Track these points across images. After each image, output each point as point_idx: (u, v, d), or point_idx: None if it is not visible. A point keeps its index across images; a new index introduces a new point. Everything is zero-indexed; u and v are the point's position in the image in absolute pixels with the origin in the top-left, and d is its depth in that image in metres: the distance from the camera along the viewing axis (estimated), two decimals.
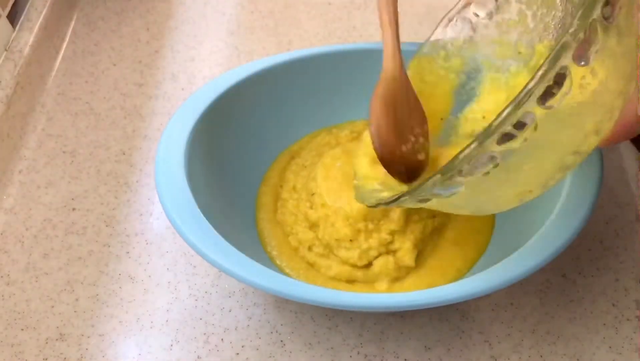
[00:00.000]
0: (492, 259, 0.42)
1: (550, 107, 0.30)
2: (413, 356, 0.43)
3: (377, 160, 0.43)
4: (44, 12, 0.62)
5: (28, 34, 0.60)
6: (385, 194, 0.41)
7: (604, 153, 0.43)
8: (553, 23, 0.41)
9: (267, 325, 0.45)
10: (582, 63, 0.30)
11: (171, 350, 0.44)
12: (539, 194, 0.36)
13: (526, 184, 0.35)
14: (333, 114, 0.53)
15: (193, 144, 0.46)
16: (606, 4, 0.29)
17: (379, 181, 0.43)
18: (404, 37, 0.62)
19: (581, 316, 0.44)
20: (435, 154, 0.44)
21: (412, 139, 0.43)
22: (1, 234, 0.51)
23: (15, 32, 0.60)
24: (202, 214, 0.42)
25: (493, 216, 0.47)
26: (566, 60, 0.29)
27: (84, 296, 0.47)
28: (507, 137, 0.30)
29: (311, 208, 0.46)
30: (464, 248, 0.45)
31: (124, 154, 0.55)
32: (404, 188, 0.42)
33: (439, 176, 0.32)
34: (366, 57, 0.52)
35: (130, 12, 0.68)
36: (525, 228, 0.42)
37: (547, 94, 0.29)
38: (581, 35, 0.29)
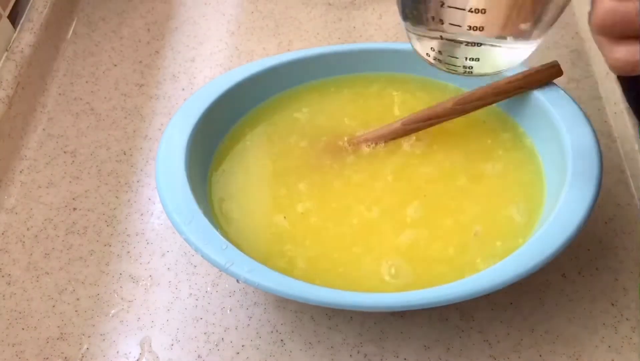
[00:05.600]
0: None
1: None
2: (413, 355, 0.43)
3: None
4: (44, 13, 0.62)
5: (29, 35, 0.60)
6: None
7: (603, 153, 0.43)
8: None
9: (268, 325, 0.45)
10: None
11: (172, 349, 0.44)
12: None
13: None
14: None
15: (193, 144, 0.46)
16: None
17: None
18: (403, 37, 0.63)
19: (580, 316, 0.44)
20: None
21: None
22: (2, 234, 0.51)
23: (16, 33, 0.60)
24: (202, 214, 0.42)
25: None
26: None
27: (85, 295, 0.47)
28: None
29: None
30: None
31: (124, 154, 0.56)
32: None
33: None
34: (366, 58, 0.52)
35: (131, 12, 0.68)
36: None
37: None
38: None
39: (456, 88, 0.52)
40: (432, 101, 0.49)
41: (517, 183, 0.46)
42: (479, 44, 0.37)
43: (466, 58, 0.39)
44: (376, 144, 0.49)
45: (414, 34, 0.39)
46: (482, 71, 0.40)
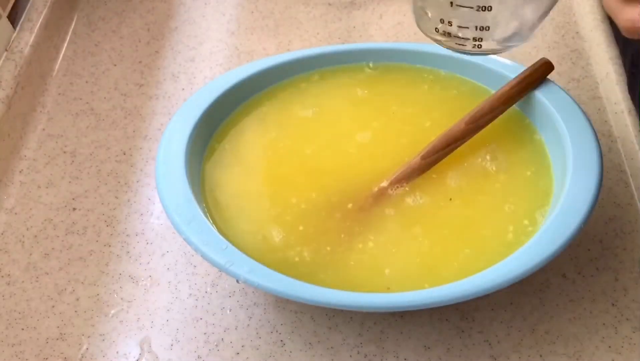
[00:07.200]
0: None
1: None
2: (413, 355, 0.43)
3: None
4: (44, 13, 0.62)
5: (29, 34, 0.60)
6: None
7: (603, 153, 0.43)
8: None
9: (267, 325, 0.45)
10: None
11: (171, 349, 0.44)
12: None
13: None
14: None
15: (193, 144, 0.46)
16: None
17: None
18: (403, 37, 0.63)
19: (581, 316, 0.44)
20: None
21: None
22: (2, 234, 0.51)
23: (15, 33, 0.60)
24: (202, 214, 0.42)
25: None
26: None
27: (85, 296, 0.47)
28: None
29: None
30: None
31: (124, 154, 0.56)
32: None
33: None
34: (366, 58, 0.52)
35: (131, 12, 0.68)
36: None
37: None
38: None
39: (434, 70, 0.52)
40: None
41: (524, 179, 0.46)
42: (490, 8, 0.37)
43: (476, 27, 0.38)
44: (398, 187, 0.47)
45: (423, 5, 0.39)
46: (491, 47, 0.39)
